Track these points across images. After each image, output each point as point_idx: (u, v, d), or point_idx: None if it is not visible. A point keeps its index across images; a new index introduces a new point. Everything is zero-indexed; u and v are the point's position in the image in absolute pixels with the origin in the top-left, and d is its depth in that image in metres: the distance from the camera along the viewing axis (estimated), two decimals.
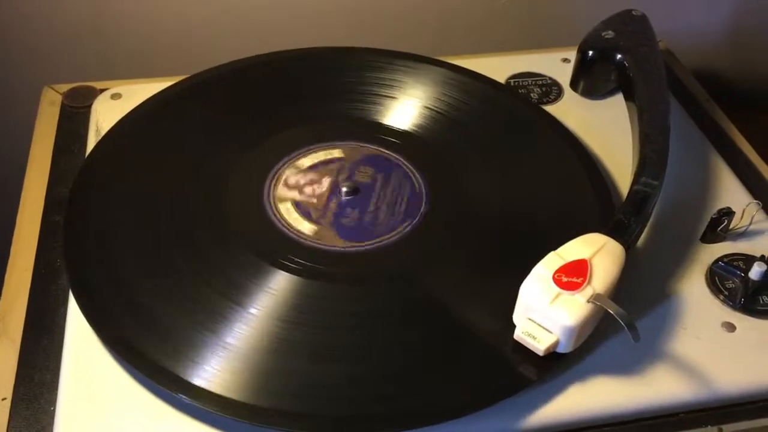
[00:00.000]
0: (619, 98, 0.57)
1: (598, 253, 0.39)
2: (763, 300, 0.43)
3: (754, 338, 0.42)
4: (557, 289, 0.37)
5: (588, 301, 0.37)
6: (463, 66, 0.56)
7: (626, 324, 0.36)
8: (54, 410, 0.38)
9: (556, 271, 0.38)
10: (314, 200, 0.46)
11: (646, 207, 0.43)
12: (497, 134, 0.52)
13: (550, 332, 0.37)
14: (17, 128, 0.63)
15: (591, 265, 0.38)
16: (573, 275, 0.38)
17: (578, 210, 0.47)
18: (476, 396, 0.37)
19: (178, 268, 0.42)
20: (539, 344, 0.37)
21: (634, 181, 0.45)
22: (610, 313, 0.36)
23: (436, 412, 0.37)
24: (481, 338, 0.40)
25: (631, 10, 0.58)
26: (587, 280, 0.38)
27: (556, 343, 0.38)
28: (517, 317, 0.39)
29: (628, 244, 0.41)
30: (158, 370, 0.38)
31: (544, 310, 0.37)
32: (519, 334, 0.38)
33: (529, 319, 0.38)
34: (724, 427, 0.39)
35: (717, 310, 0.43)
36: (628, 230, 0.41)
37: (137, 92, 0.54)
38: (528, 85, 0.58)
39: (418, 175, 0.49)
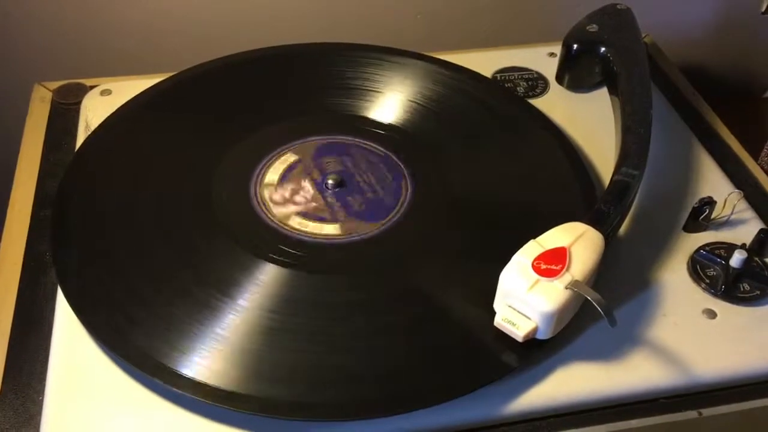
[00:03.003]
0: (604, 91, 0.57)
1: (578, 241, 0.39)
2: (743, 287, 0.44)
3: (735, 325, 0.42)
4: (536, 276, 0.38)
5: (566, 288, 0.37)
6: (449, 61, 0.57)
7: (603, 310, 0.36)
8: (42, 400, 0.38)
9: (536, 259, 0.38)
10: (314, 204, 0.47)
11: (626, 196, 0.44)
12: (483, 127, 0.52)
13: (529, 319, 0.38)
14: (8, 124, 0.63)
15: (570, 252, 0.39)
16: (552, 262, 0.38)
17: (561, 200, 0.47)
18: (457, 383, 0.38)
19: (167, 260, 0.43)
20: (518, 331, 0.38)
21: (615, 172, 0.45)
22: (588, 299, 0.37)
23: (418, 399, 0.37)
24: (462, 326, 0.40)
25: (615, 4, 0.58)
26: (566, 267, 0.38)
27: (535, 330, 0.38)
28: (497, 304, 0.39)
29: (607, 232, 0.41)
30: (145, 359, 0.38)
31: (523, 297, 0.38)
32: (499, 321, 0.39)
33: (509, 306, 0.38)
34: (704, 411, 0.39)
35: (698, 298, 0.44)
36: (608, 219, 0.42)
37: (127, 89, 0.55)
38: (514, 79, 0.59)
39: (401, 164, 0.49)
